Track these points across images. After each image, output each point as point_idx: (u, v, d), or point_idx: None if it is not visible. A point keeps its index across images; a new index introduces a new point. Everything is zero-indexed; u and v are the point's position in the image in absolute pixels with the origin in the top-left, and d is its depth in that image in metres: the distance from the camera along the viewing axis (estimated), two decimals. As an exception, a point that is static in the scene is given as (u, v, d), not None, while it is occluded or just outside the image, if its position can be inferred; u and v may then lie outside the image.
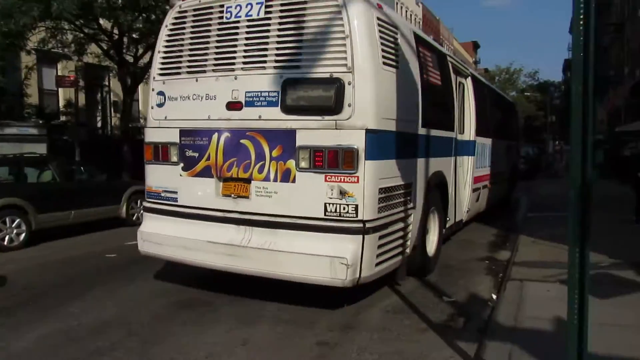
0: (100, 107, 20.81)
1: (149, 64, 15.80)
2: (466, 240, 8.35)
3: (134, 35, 14.69)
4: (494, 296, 5.31)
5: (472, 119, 8.25)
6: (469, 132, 8.16)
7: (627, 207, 10.90)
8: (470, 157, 8.16)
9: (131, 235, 9.54)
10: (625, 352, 3.57)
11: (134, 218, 10.82)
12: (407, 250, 5.48)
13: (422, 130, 5.73)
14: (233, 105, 5.00)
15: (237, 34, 5.03)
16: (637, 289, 5.12)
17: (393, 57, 5.00)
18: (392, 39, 5.05)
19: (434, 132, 6.17)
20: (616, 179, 16.93)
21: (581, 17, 2.63)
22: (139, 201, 10.41)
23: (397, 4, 57.21)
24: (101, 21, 14.16)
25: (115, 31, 14.45)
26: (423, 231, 5.94)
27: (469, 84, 8.23)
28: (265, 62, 4.87)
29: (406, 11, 60.25)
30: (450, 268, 6.65)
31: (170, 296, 5.52)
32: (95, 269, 6.90)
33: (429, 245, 6.26)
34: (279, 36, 4.82)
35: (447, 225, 7.05)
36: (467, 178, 8.10)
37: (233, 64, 5.04)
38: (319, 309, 5.02)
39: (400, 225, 5.21)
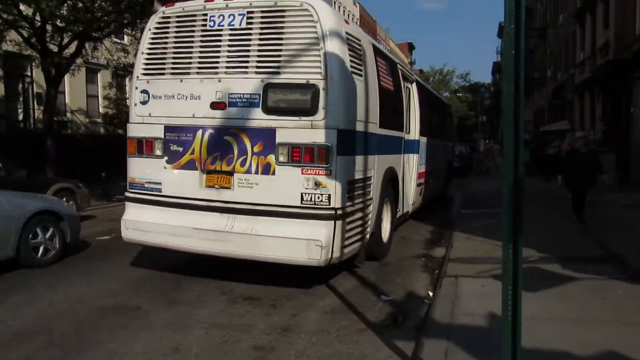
0: (22, 99, 19.46)
1: (76, 54, 15.01)
2: (403, 237, 8.45)
3: (58, 23, 13.79)
4: (430, 293, 5.38)
5: (417, 120, 8.92)
6: (414, 132, 8.80)
7: (555, 203, 11.50)
8: (415, 154, 8.84)
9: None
10: (556, 345, 3.68)
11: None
12: (367, 236, 6.08)
13: (379, 130, 6.42)
14: (217, 105, 5.47)
15: (220, 41, 5.52)
16: (563, 282, 5.35)
17: (358, 66, 5.70)
18: (357, 51, 5.77)
19: (388, 132, 6.92)
20: (540, 177, 17.86)
21: (512, 20, 2.66)
22: (64, 199, 9.75)
23: (334, 3, 57.68)
24: (22, 7, 13.20)
25: (38, 18, 13.50)
26: (379, 220, 6.56)
27: (414, 88, 8.94)
28: (247, 67, 5.39)
29: (344, 11, 60.85)
30: (388, 266, 6.69)
31: (99, 301, 5.19)
32: (13, 273, 6.38)
33: (384, 232, 6.94)
34: (259, 45, 5.36)
35: (397, 216, 7.70)
36: (412, 174, 8.77)
37: (217, 67, 5.51)
38: (256, 312, 4.88)
39: (362, 213, 5.83)
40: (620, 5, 17.81)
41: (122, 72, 18.46)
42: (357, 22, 63.87)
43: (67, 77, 18.06)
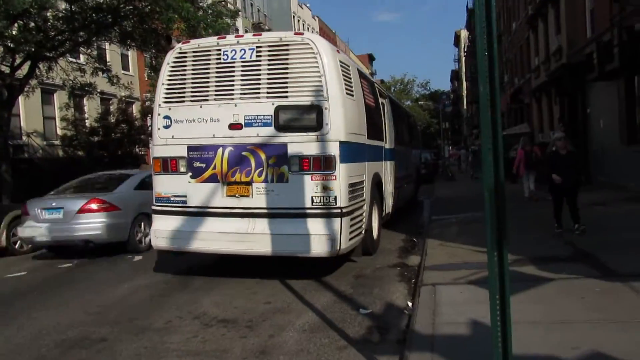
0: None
1: (29, 75, 14.44)
2: (371, 256, 8.33)
3: (8, 44, 13.26)
4: (410, 304, 5.27)
5: (391, 131, 9.85)
6: (390, 141, 9.68)
7: (523, 204, 11.66)
8: (392, 161, 9.73)
9: (14, 266, 8.56)
10: (543, 349, 3.60)
11: (17, 247, 9.68)
12: (363, 232, 6.96)
13: (367, 141, 7.47)
14: (234, 126, 6.40)
15: (234, 71, 6.49)
16: (540, 283, 5.33)
17: (350, 88, 6.75)
18: (348, 75, 6.82)
19: (374, 142, 7.93)
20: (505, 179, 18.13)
21: (484, 22, 2.60)
22: (18, 228, 9.25)
23: (294, 17, 57.98)
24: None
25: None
26: (370, 218, 7.45)
27: (387, 103, 9.95)
28: (259, 93, 6.36)
29: (303, 24, 61.23)
30: (364, 277, 6.57)
31: (60, 333, 4.87)
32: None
33: (374, 230, 7.85)
34: (268, 74, 6.34)
35: (383, 215, 8.62)
36: (391, 178, 9.62)
37: (232, 94, 6.45)
38: (232, 335, 4.66)
39: (360, 211, 6.79)
40: (570, 10, 18.43)
41: (80, 92, 17.90)
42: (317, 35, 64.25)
43: (21, 99, 17.40)
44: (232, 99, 6.45)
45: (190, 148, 6.59)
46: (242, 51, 6.47)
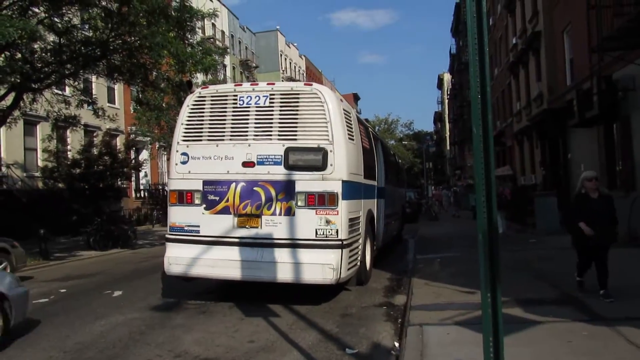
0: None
1: (13, 106, 14.32)
2: (363, 286, 8.30)
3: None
4: (397, 344, 5.21)
5: (382, 171, 10.55)
6: (382, 181, 10.37)
7: (506, 245, 11.71)
8: (382, 199, 10.35)
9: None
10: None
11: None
12: (359, 263, 7.59)
13: (364, 180, 8.17)
14: (247, 164, 7.07)
15: (248, 115, 7.18)
16: (528, 326, 5.32)
17: (350, 132, 7.45)
18: (350, 121, 7.59)
19: (368, 182, 8.60)
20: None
21: (476, 62, 2.69)
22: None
23: (281, 55, 59.07)
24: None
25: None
26: (364, 251, 8.03)
27: (379, 145, 10.75)
28: (271, 135, 7.06)
29: (290, 63, 62.34)
30: (350, 316, 6.50)
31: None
32: None
33: (367, 262, 8.41)
34: (280, 118, 7.05)
35: (374, 248, 9.23)
36: (381, 215, 10.20)
37: (246, 135, 7.14)
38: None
39: (357, 244, 7.45)
40: (550, 59, 19.13)
41: (64, 124, 17.78)
42: (303, 74, 65.46)
43: (2, 130, 17.23)
44: (246, 139, 7.12)
45: (206, 182, 7.19)
46: (257, 97, 7.17)
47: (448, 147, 74.53)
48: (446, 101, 74.70)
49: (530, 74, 22.58)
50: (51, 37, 14.15)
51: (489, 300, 2.63)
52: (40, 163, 21.61)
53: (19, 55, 13.16)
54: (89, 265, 12.44)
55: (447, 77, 73.42)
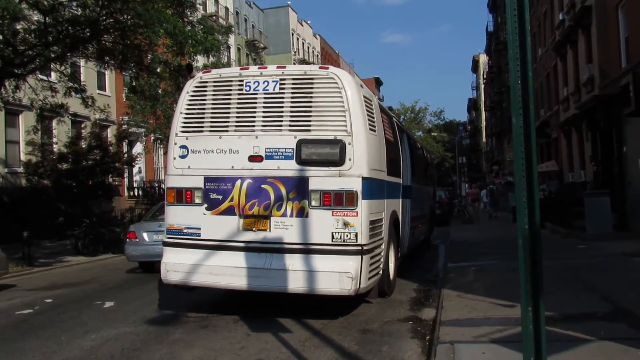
0: None
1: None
2: (386, 297, 8.31)
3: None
4: (424, 364, 5.20)
5: (408, 168, 10.46)
6: (407, 178, 10.27)
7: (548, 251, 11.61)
8: (408, 199, 10.29)
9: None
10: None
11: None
12: (381, 272, 7.51)
13: (387, 178, 8.10)
14: (254, 158, 6.99)
15: (255, 103, 7.13)
16: (574, 344, 5.27)
17: (372, 123, 7.39)
18: (370, 110, 7.47)
19: (392, 179, 8.58)
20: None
21: (517, 46, 2.68)
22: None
23: (293, 35, 59.19)
24: None
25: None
26: (387, 258, 7.97)
27: (404, 138, 10.57)
28: (281, 126, 6.98)
29: (303, 43, 62.45)
30: (372, 333, 6.50)
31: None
32: None
33: (391, 271, 8.37)
34: (291, 107, 6.99)
35: (399, 255, 9.16)
36: (407, 217, 10.11)
37: (253, 126, 7.07)
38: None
39: (379, 250, 7.38)
40: (602, 38, 18.88)
41: (50, 114, 18.04)
42: (318, 56, 65.50)
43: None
44: (253, 130, 7.07)
45: (207, 179, 7.14)
46: (265, 83, 7.12)
47: (484, 139, 74.04)
48: (482, 86, 74.15)
49: (580, 55, 22.32)
50: (35, 16, 14.35)
51: (530, 315, 2.63)
52: (23, 157, 21.95)
53: (0, 38, 13.37)
54: (77, 272, 12.63)
55: (483, 58, 72.86)
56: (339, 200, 6.69)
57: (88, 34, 14.60)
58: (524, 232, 2.62)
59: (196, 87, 7.46)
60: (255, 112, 7.12)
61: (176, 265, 7.14)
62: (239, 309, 7.64)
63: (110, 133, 26.55)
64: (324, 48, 69.82)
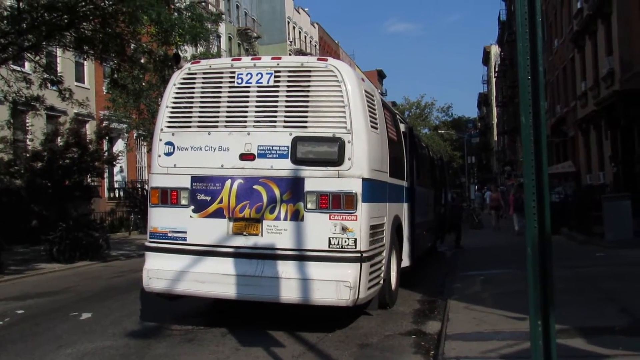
0: None
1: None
2: (387, 309, 8.33)
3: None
4: (427, 382, 5.22)
5: (413, 169, 10.41)
6: (411, 181, 10.23)
7: (562, 257, 11.65)
8: (412, 203, 10.23)
9: None
10: None
11: None
12: (382, 281, 7.55)
13: (389, 179, 8.12)
14: (246, 157, 6.98)
15: (248, 97, 7.13)
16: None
17: (374, 120, 7.39)
18: (373, 106, 7.49)
19: (395, 181, 8.60)
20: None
21: (526, 39, 2.69)
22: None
23: (289, 23, 59.24)
24: None
25: None
26: (389, 266, 8.00)
27: (408, 136, 10.43)
28: (275, 121, 6.99)
29: (300, 32, 62.50)
30: (371, 347, 6.52)
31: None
32: None
33: (392, 280, 8.39)
34: (287, 101, 6.97)
35: (402, 266, 9.21)
36: (411, 223, 10.08)
37: (245, 122, 7.06)
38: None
39: (380, 257, 7.39)
40: (624, 28, 18.94)
41: (24, 108, 18.00)
42: (316, 46, 65.57)
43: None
44: (245, 126, 7.06)
45: (195, 179, 7.14)
46: (259, 75, 7.09)
47: (495, 138, 74.22)
48: (493, 80, 74.34)
49: (599, 47, 22.39)
50: (8, 1, 14.34)
51: (540, 330, 2.64)
52: (-7, 155, 21.91)
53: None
54: (51, 281, 12.61)
55: (494, 50, 73.08)
56: (337, 202, 6.67)
57: (66, 21, 14.59)
58: (533, 240, 2.63)
59: (184, 79, 7.45)
60: (247, 106, 7.12)
61: (160, 272, 7.09)
62: (227, 321, 7.65)
63: (90, 129, 26.51)
64: (323, 38, 69.89)
